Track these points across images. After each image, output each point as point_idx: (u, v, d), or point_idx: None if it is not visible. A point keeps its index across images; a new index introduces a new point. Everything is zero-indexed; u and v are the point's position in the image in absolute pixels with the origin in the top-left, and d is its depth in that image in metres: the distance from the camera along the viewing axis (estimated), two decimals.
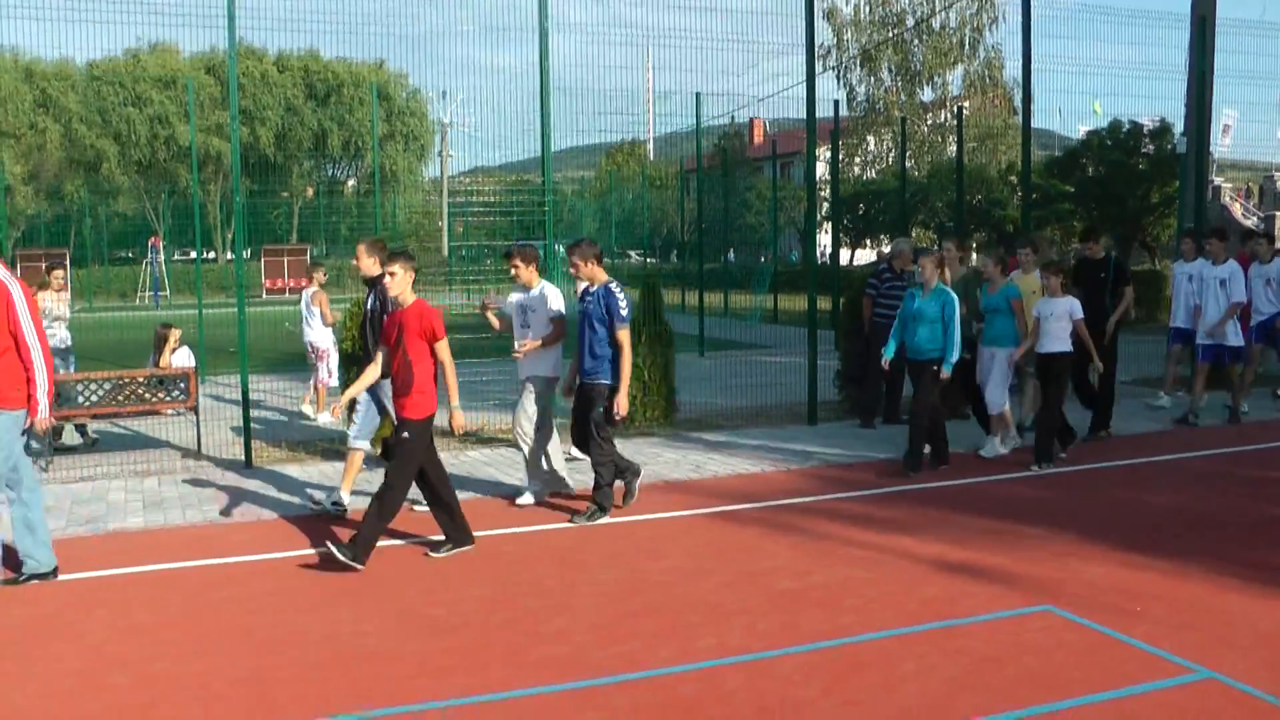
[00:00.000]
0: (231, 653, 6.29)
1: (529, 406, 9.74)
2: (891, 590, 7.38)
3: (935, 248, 12.99)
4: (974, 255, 30.21)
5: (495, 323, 10.13)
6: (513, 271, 9.82)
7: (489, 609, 7.05)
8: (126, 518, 9.54)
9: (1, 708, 5.56)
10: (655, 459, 11.77)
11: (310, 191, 70.20)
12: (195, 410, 12.22)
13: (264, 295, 49.74)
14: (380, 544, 8.22)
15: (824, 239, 41.02)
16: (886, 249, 19.41)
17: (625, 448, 11.99)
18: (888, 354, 11.39)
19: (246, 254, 58.17)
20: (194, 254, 51.78)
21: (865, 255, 45.52)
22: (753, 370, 18.00)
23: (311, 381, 15.15)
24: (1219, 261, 13.83)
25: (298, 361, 18.37)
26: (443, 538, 8.39)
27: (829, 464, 11.54)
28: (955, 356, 10.89)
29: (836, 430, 13.44)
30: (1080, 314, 11.35)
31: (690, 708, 5.51)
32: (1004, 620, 6.79)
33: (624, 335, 9.31)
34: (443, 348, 8.13)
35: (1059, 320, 11.30)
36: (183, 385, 12.11)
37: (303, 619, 6.86)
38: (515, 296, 9.97)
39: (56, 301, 12.83)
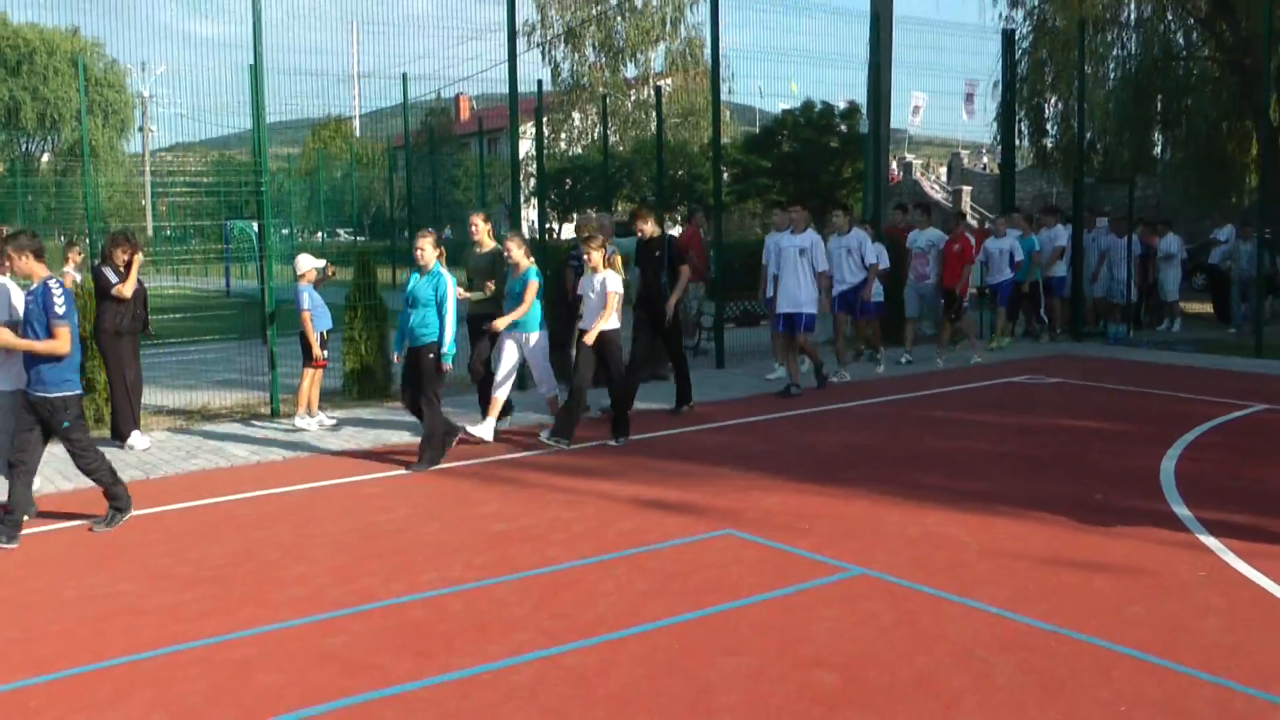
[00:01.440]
0: None
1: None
2: (592, 526, 8.39)
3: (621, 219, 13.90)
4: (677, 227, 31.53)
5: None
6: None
7: (233, 563, 7.71)
8: None
9: None
10: (376, 426, 12.48)
11: (1, 168, 66.98)
12: None
13: None
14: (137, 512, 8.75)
15: (533, 214, 41.92)
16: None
17: (344, 416, 12.72)
18: (396, 349, 11.11)
19: None
20: None
21: (572, 230, 46.55)
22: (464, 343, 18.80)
23: None
24: (798, 231, 14.27)
25: None
26: None
27: (535, 425, 12.43)
28: (451, 345, 10.66)
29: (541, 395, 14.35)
30: (616, 288, 11.41)
31: (418, 627, 6.36)
32: (690, 544, 7.87)
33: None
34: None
35: (595, 294, 11.50)
36: None
37: (62, 584, 7.35)
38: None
39: None
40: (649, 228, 13.27)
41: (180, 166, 48.62)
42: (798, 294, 13.97)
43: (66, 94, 67.39)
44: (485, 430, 11.38)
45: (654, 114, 47.33)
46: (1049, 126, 29.10)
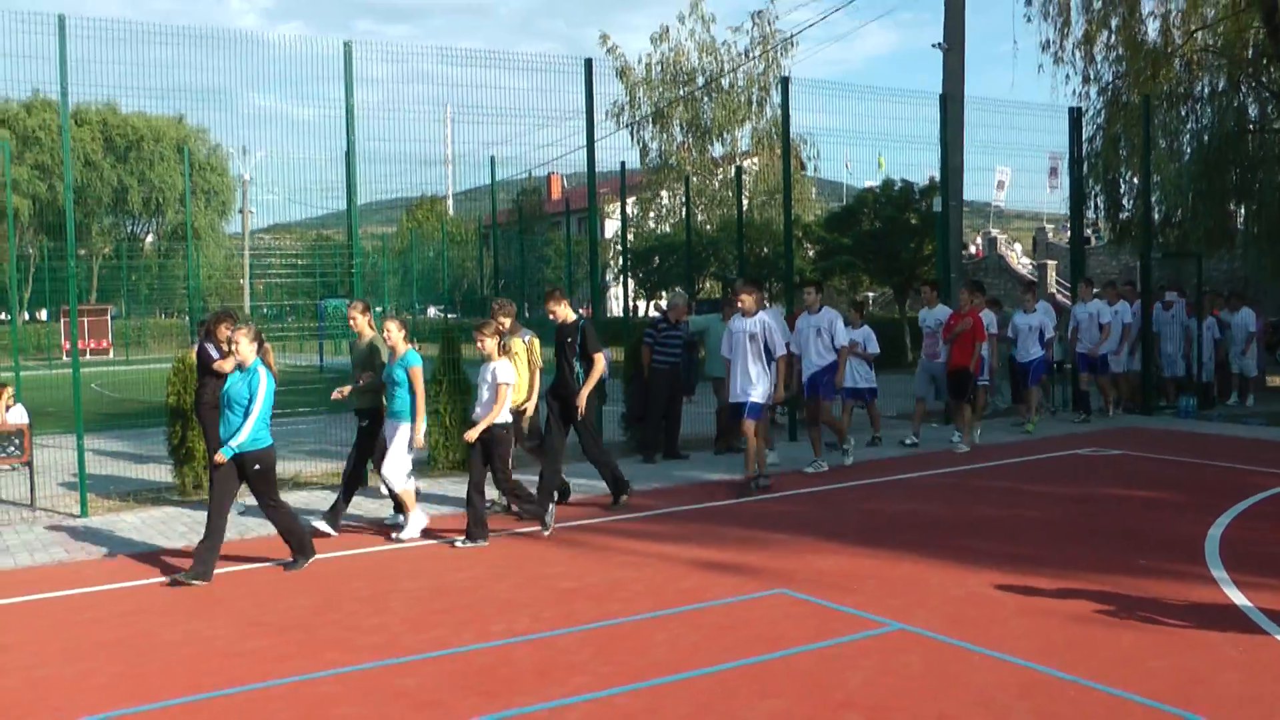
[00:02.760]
0: (103, 658, 7.46)
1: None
2: (653, 585, 8.93)
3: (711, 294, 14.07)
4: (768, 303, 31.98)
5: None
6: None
7: (316, 613, 8.36)
8: None
9: None
10: (458, 494, 13.10)
11: (108, 249, 69.17)
12: (30, 465, 13.12)
13: (64, 357, 49.28)
14: (219, 570, 9.43)
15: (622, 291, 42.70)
16: (664, 303, 21.23)
17: (432, 486, 13.37)
18: (225, 454, 9.41)
19: (45, 315, 57.48)
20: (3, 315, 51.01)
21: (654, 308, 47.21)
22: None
23: None
24: (814, 311, 14.41)
25: (109, 420, 19.21)
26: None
27: (611, 494, 12.99)
28: (239, 441, 9.35)
29: (621, 466, 14.90)
30: (508, 379, 10.80)
31: (484, 671, 6.94)
32: (743, 601, 8.39)
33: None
34: None
35: (487, 385, 10.84)
36: (17, 441, 13.02)
37: (161, 630, 8.05)
38: None
39: None
40: (561, 311, 12.35)
41: (277, 247, 50.09)
42: (745, 383, 12.86)
43: (171, 178, 69.56)
44: (415, 525, 10.98)
45: (742, 190, 48.20)
46: (1124, 200, 29.30)
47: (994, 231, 59.42)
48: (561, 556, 10.07)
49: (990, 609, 8.02)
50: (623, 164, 27.43)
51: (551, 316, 12.41)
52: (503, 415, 10.76)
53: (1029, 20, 28.83)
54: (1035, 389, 18.16)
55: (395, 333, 11.06)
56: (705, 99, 51.16)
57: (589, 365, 12.20)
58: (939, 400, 17.72)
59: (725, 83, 50.89)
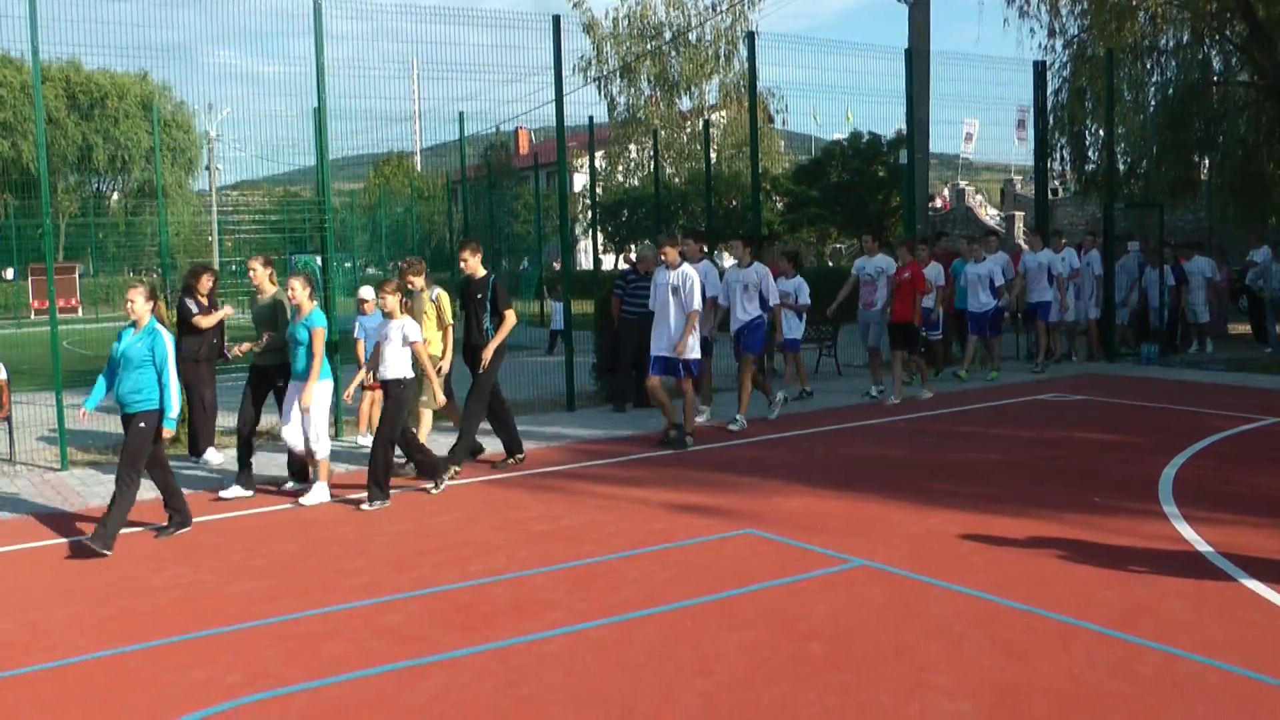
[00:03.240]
0: (92, 602, 7.70)
1: None
2: (625, 527, 9.24)
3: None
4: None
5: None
6: None
7: (301, 558, 8.64)
8: None
9: None
10: (434, 443, 13.35)
11: (74, 208, 68.73)
12: (9, 420, 13.29)
13: (32, 316, 49.12)
14: (201, 519, 9.69)
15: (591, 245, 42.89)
16: (633, 255, 21.44)
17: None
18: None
19: (11, 274, 57.23)
20: None
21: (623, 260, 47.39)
22: (521, 369, 19.63)
23: None
24: (744, 265, 14.08)
25: (82, 376, 19.24)
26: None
27: (583, 440, 13.32)
28: (176, 410, 9.22)
29: (592, 415, 15.26)
30: (416, 337, 10.73)
31: (465, 608, 7.23)
32: (712, 541, 8.70)
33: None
34: None
35: (390, 342, 10.64)
36: None
37: (148, 576, 8.28)
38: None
39: None
40: (473, 263, 12.03)
41: (245, 204, 49.93)
42: (670, 337, 12.82)
43: (136, 136, 69.04)
44: (318, 495, 10.61)
45: (710, 144, 48.37)
46: (1090, 152, 29.65)
47: (962, 183, 59.72)
48: (535, 501, 10.35)
49: (950, 546, 8.35)
50: (591, 119, 27.54)
51: (463, 265, 12.10)
52: (406, 371, 10.60)
53: None
54: (996, 339, 18.27)
55: (300, 290, 10.77)
56: (672, 53, 51.22)
57: (499, 323, 11.85)
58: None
59: (693, 36, 50.95)
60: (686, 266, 12.87)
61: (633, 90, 51.84)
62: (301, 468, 11.15)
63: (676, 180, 46.22)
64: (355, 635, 6.78)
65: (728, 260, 17.14)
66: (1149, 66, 28.57)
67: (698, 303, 12.68)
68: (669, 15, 51.22)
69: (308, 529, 9.58)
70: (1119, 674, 5.86)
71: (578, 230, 48.76)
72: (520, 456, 12.18)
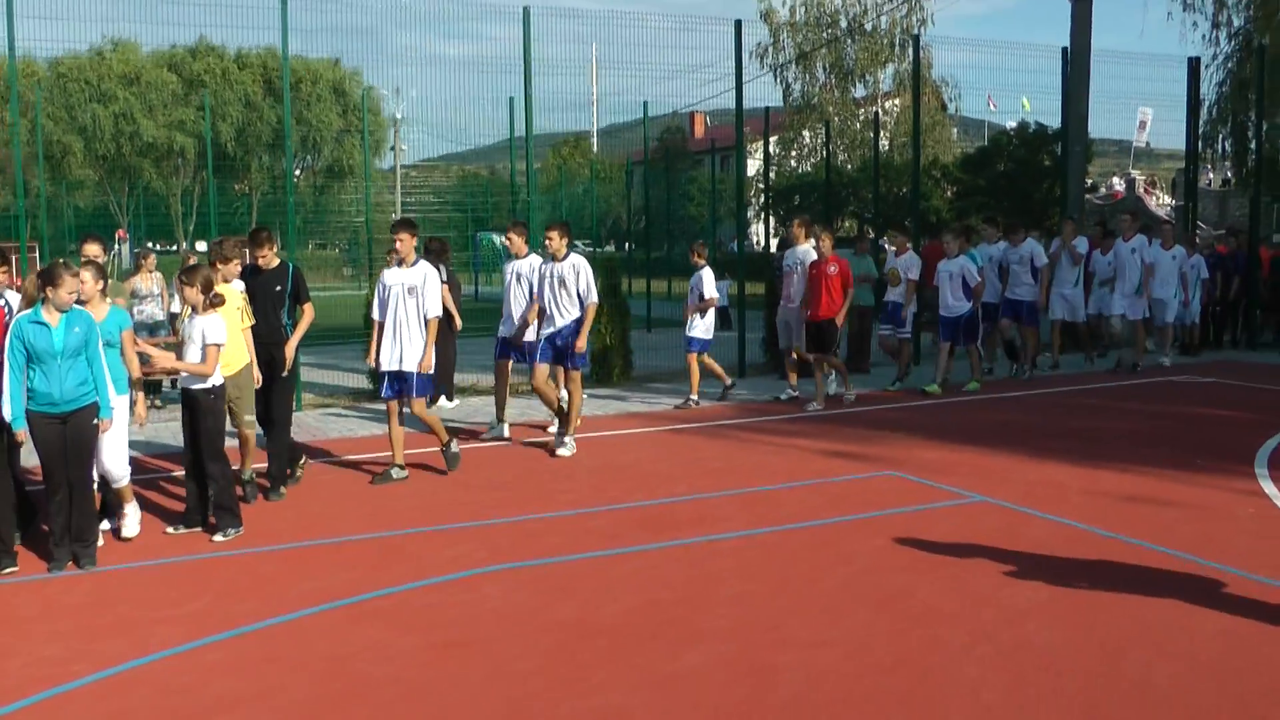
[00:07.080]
0: (357, 501, 9.78)
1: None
2: (787, 465, 11.08)
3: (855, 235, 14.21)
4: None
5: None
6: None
7: (518, 480, 10.68)
8: None
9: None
10: (619, 399, 15.28)
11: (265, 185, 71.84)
12: None
13: None
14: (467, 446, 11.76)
15: (763, 229, 44.38)
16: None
17: (593, 397, 15.54)
18: (16, 425, 7.80)
19: (203, 245, 60.85)
20: (158, 245, 53.78)
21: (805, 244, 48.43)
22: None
23: None
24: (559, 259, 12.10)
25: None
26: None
27: (752, 403, 15.12)
28: (111, 409, 8.20)
29: (760, 381, 17.01)
30: (218, 338, 8.91)
31: (654, 519, 9.13)
32: (858, 480, 10.46)
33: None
34: None
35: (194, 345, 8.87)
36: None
37: (396, 489, 10.39)
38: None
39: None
40: (268, 254, 10.59)
41: (426, 182, 52.38)
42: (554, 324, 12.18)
43: (327, 118, 72.36)
44: (132, 525, 8.92)
45: (879, 133, 49.40)
46: (1252, 145, 30.10)
47: (1134, 172, 59.59)
48: (712, 445, 12.26)
49: (1057, 490, 9.91)
50: (767, 109, 29.07)
51: (261, 261, 10.65)
52: (215, 379, 8.97)
53: None
54: (974, 347, 16.02)
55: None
56: (848, 42, 52.29)
57: (299, 315, 10.75)
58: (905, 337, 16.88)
59: (868, 26, 52.00)
60: (575, 258, 12.20)
61: (808, 77, 53.10)
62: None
63: (848, 167, 47.41)
64: (568, 533, 8.73)
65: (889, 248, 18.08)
66: None
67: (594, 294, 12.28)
68: (845, 4, 52.36)
69: (516, 460, 11.64)
70: (1174, 585, 7.39)
71: (749, 214, 50.31)
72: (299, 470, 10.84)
